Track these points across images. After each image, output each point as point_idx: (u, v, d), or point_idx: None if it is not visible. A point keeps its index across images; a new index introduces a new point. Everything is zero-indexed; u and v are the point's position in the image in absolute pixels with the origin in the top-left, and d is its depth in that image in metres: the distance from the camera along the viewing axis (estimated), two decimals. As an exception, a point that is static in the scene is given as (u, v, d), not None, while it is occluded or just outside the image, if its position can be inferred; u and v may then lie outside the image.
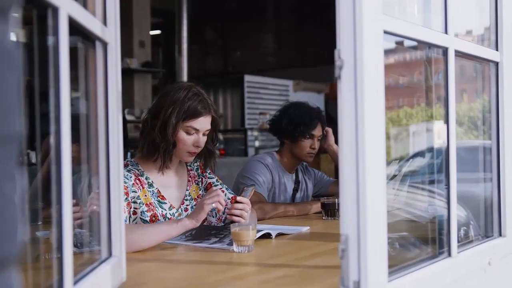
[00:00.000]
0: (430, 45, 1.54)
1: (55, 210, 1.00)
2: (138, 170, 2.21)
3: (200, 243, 1.98)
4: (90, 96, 1.37)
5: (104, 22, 1.34)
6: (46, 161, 1.61)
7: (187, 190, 2.34)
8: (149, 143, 2.19)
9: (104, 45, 1.34)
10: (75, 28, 1.11)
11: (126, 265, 1.43)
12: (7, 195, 0.56)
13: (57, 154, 1.00)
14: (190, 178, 2.37)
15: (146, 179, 2.21)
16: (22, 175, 0.60)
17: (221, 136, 7.63)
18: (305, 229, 2.33)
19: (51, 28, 1.00)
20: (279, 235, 2.17)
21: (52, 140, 1.03)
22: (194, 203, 2.32)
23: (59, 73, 1.00)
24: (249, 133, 7.44)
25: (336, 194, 2.94)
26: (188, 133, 2.18)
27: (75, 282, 1.09)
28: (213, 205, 1.96)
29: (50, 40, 1.01)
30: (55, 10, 0.99)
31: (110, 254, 1.36)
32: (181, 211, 2.28)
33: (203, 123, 2.20)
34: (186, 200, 2.32)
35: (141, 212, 2.14)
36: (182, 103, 2.15)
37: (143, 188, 2.18)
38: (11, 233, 0.57)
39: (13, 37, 0.58)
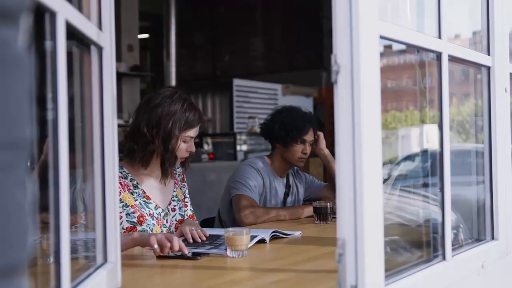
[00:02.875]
0: (425, 50, 1.55)
1: (52, 216, 1.00)
2: (121, 173, 2.25)
3: (195, 248, 1.97)
4: (84, 101, 1.36)
5: (100, 26, 1.34)
6: (37, 165, 1.60)
7: (174, 191, 2.41)
8: (149, 153, 2.24)
9: (99, 49, 1.33)
10: (71, 32, 1.10)
11: (121, 271, 1.42)
12: (18, 202, 0.56)
13: (55, 159, 0.99)
14: (176, 181, 2.45)
15: (130, 181, 2.27)
16: (31, 182, 0.59)
17: (209, 140, 7.61)
18: (297, 233, 2.33)
19: (48, 32, 1.00)
20: (274, 238, 2.17)
21: (47, 144, 1.02)
22: (181, 204, 2.42)
23: (56, 77, 1.00)
24: (238, 137, 7.42)
25: (327, 198, 2.94)
26: (184, 141, 2.28)
27: (72, 289, 1.08)
28: (155, 246, 1.81)
29: (47, 44, 1.00)
30: (53, 14, 0.98)
31: (105, 260, 1.35)
32: (168, 210, 2.35)
33: (197, 130, 2.33)
34: (174, 200, 2.40)
35: (126, 214, 2.19)
36: (181, 115, 2.24)
37: (125, 191, 2.23)
38: (22, 240, 0.56)
39: (23, 43, 0.57)
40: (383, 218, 1.21)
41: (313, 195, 3.21)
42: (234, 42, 9.89)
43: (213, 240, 2.11)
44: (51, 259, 1.09)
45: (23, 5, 0.57)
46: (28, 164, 1.34)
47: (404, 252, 1.67)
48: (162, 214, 2.31)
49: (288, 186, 3.13)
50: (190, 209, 2.50)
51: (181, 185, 2.48)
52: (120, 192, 2.19)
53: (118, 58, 7.27)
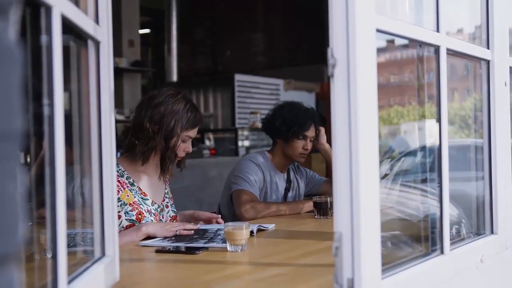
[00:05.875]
0: (422, 43, 1.55)
1: (49, 210, 1.00)
2: (117, 171, 2.26)
3: (192, 243, 1.97)
4: (82, 96, 1.36)
5: (97, 21, 1.34)
6: (36, 161, 1.61)
7: (166, 188, 2.46)
8: (150, 149, 2.27)
9: (97, 44, 1.33)
10: (68, 27, 1.10)
11: (119, 265, 1.43)
12: (9, 193, 0.56)
13: (51, 155, 1.00)
14: (167, 180, 2.49)
15: (126, 178, 2.29)
16: (22, 173, 0.60)
17: (211, 136, 7.62)
18: (271, 226, 2.37)
19: (44, 27, 1.00)
20: (259, 231, 2.22)
21: (43, 140, 1.02)
22: (172, 201, 2.47)
23: (52, 72, 1.00)
24: (239, 132, 7.42)
25: (328, 193, 2.94)
26: (183, 141, 2.31)
27: (69, 282, 1.09)
28: (177, 232, 2.12)
29: (43, 39, 1.00)
30: (48, 9, 0.98)
31: (103, 253, 1.36)
32: (163, 206, 2.40)
33: (196, 131, 2.37)
34: (166, 197, 2.44)
35: (125, 212, 2.21)
36: (184, 115, 2.28)
37: (124, 189, 2.25)
38: (13, 231, 0.57)
39: (13, 35, 0.58)
40: (379, 212, 1.22)
41: (314, 190, 3.21)
42: (236, 37, 9.89)
43: (202, 234, 2.12)
44: (50, 254, 1.09)
45: None
46: (29, 159, 1.34)
47: (403, 246, 1.67)
48: (158, 210, 2.35)
49: (289, 181, 3.13)
50: (173, 210, 2.52)
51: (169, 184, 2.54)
52: (118, 191, 2.20)
53: (119, 53, 7.27)
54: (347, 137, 1.16)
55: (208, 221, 2.42)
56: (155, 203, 2.34)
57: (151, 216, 2.28)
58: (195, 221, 2.44)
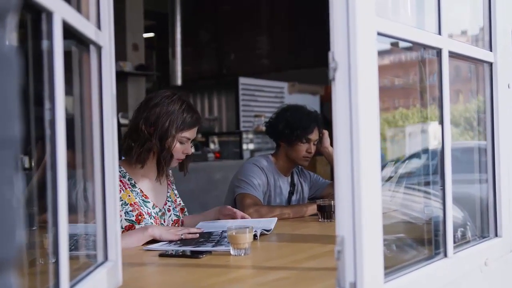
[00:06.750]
0: (424, 46, 1.54)
1: (50, 215, 1.00)
2: (120, 172, 2.27)
3: (198, 247, 1.97)
4: (84, 100, 1.37)
5: (98, 25, 1.34)
6: (40, 166, 1.61)
7: (168, 192, 2.46)
8: (146, 151, 2.27)
9: (98, 49, 1.34)
10: (69, 32, 1.11)
11: (122, 270, 1.43)
12: (6, 199, 0.56)
13: (52, 159, 1.00)
14: (169, 183, 2.49)
15: (128, 180, 2.30)
16: (20, 179, 0.60)
17: (216, 139, 7.62)
18: (274, 221, 2.39)
19: (45, 32, 1.00)
20: (262, 235, 2.21)
21: (46, 145, 1.03)
22: (174, 205, 2.46)
23: (53, 77, 1.00)
24: (244, 135, 7.42)
25: (331, 196, 2.94)
26: (181, 142, 2.31)
27: (71, 286, 1.09)
28: (182, 236, 2.12)
29: (44, 44, 1.01)
30: (50, 14, 0.99)
31: (106, 258, 1.36)
32: (165, 210, 2.40)
33: (195, 132, 2.35)
34: (168, 201, 2.44)
35: (125, 212, 2.22)
36: (179, 115, 2.27)
37: (126, 189, 2.26)
38: (10, 236, 0.57)
39: (11, 42, 0.58)
40: (381, 215, 1.21)
41: (318, 193, 3.21)
42: (240, 40, 9.88)
43: (208, 238, 2.12)
44: (54, 258, 1.09)
45: (10, 5, 0.57)
46: (33, 164, 1.35)
47: (408, 249, 1.67)
48: (159, 213, 2.35)
49: (293, 184, 3.13)
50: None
51: (173, 187, 2.53)
52: (120, 190, 2.20)
53: (123, 57, 7.27)
54: (349, 140, 1.16)
55: (232, 217, 2.44)
56: (156, 207, 2.34)
57: (151, 218, 2.28)
58: (224, 217, 2.46)
